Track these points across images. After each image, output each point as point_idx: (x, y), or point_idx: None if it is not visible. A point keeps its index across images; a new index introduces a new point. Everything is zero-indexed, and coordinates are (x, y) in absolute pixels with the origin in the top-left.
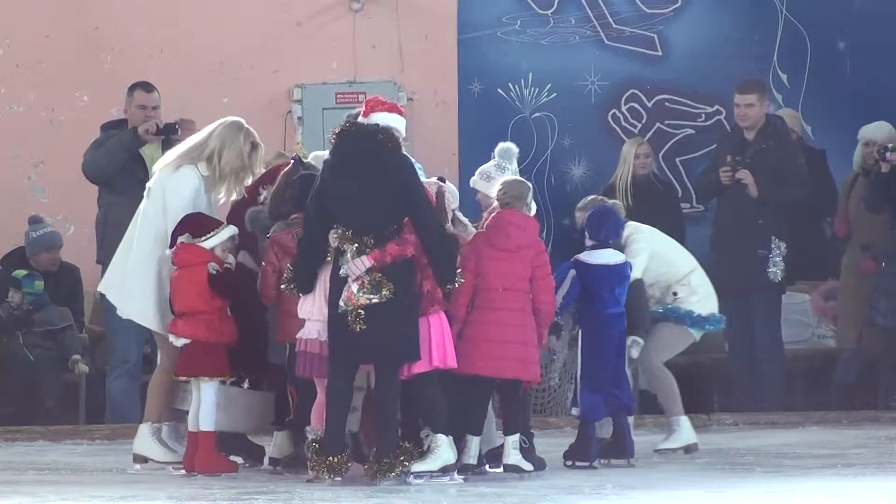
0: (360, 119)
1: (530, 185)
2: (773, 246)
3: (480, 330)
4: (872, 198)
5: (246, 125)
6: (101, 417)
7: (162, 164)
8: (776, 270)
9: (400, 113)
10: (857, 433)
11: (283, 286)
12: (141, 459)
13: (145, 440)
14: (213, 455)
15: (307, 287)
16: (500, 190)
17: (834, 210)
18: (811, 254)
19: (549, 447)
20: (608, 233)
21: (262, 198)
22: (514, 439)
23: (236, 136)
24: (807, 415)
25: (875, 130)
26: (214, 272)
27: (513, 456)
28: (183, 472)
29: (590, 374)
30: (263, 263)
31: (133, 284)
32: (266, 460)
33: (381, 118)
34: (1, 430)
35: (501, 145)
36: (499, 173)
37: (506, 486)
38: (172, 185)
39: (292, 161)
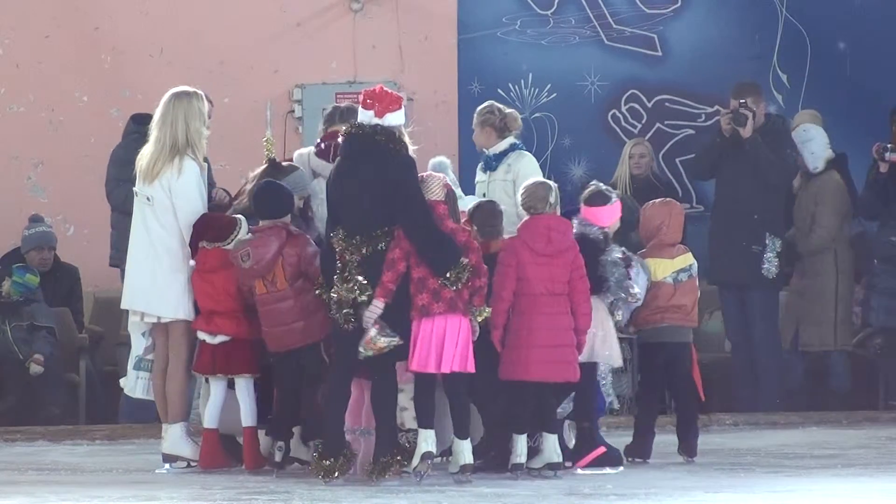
0: (374, 119)
1: (552, 184)
2: (767, 242)
3: (528, 336)
4: (868, 201)
5: (181, 88)
6: (102, 417)
7: (151, 170)
8: (770, 267)
9: (401, 104)
10: (857, 433)
11: (317, 291)
12: (172, 459)
13: (180, 440)
14: (258, 452)
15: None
16: (521, 194)
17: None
18: None
19: None
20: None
21: None
22: (555, 438)
23: (191, 103)
24: (807, 415)
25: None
26: None
27: (556, 455)
28: (195, 467)
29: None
30: None
31: (173, 288)
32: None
33: (394, 118)
34: (1, 431)
35: (433, 160)
36: None
37: (506, 487)
38: (180, 189)
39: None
